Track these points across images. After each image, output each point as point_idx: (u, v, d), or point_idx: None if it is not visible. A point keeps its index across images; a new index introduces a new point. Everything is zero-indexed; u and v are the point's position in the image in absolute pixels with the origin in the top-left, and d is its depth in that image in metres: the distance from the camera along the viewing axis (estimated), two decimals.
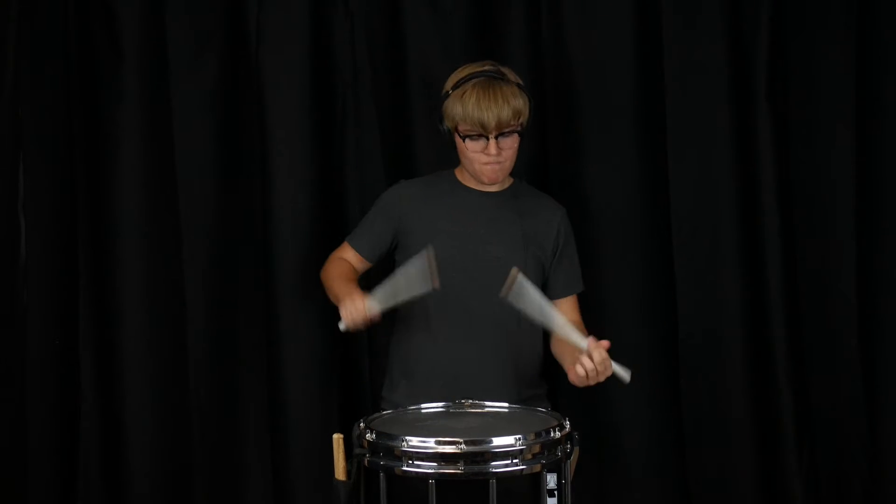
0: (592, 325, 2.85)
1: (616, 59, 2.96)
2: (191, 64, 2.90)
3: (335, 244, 2.73)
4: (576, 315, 2.69)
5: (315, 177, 2.96)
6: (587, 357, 2.30)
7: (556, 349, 2.62)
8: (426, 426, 2.22)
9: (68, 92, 2.91)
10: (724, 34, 2.92)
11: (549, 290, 2.66)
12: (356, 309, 2.40)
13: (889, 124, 2.95)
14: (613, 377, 2.33)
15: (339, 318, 2.49)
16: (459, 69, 2.58)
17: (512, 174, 2.67)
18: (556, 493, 2.08)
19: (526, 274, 2.50)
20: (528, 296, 2.34)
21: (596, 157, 2.98)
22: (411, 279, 2.38)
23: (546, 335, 2.67)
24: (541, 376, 2.68)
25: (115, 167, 2.92)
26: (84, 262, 2.93)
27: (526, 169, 2.93)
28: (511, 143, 2.54)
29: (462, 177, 2.66)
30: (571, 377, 2.37)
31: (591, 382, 2.34)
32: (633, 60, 2.95)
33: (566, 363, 2.45)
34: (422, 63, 2.95)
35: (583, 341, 2.33)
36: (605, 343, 2.32)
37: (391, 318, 2.65)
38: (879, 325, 2.99)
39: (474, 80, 2.52)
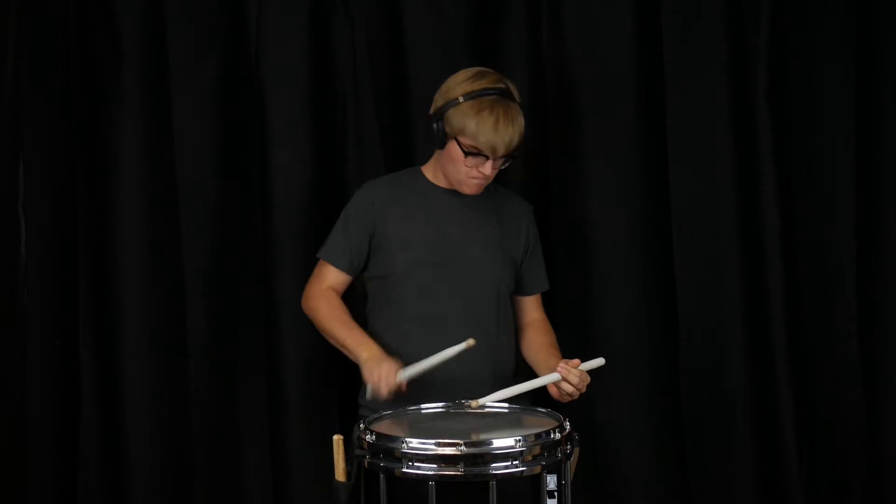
0: (593, 324, 2.86)
1: (616, 60, 2.96)
2: (191, 64, 2.90)
3: None
4: (540, 313, 2.71)
5: (315, 176, 2.96)
6: (566, 383, 2.36)
7: (528, 355, 2.66)
8: (426, 427, 2.22)
9: (68, 92, 2.91)
10: (724, 34, 2.92)
11: (521, 289, 2.68)
12: (386, 379, 2.37)
13: (889, 124, 2.96)
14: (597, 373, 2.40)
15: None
16: (469, 76, 2.50)
17: None
18: (556, 494, 2.08)
19: (503, 275, 2.57)
20: (496, 397, 2.36)
21: (596, 157, 2.98)
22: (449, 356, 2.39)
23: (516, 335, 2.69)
24: (517, 373, 2.68)
25: (115, 167, 2.92)
26: (84, 262, 2.92)
27: (526, 169, 2.94)
28: (501, 163, 2.51)
29: (432, 176, 2.64)
30: (556, 397, 2.42)
31: (577, 397, 2.40)
32: (633, 61, 2.95)
33: (540, 371, 2.51)
34: (422, 64, 2.95)
35: (553, 376, 2.38)
36: (575, 362, 2.37)
37: (361, 316, 2.65)
38: (879, 325, 2.99)
39: (492, 98, 2.45)
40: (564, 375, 2.36)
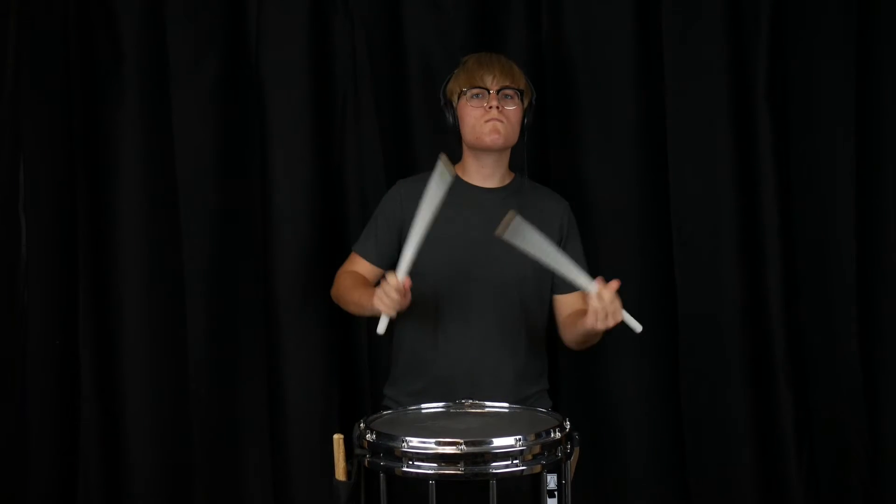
0: None
1: (616, 60, 2.96)
2: (191, 64, 2.90)
3: (335, 243, 2.74)
4: (582, 305, 2.67)
5: (315, 176, 2.96)
6: (597, 298, 2.31)
7: (572, 330, 2.59)
8: (426, 427, 2.21)
9: (68, 92, 2.91)
10: (724, 34, 2.92)
11: (556, 286, 2.67)
12: (389, 291, 2.33)
13: (889, 124, 2.96)
14: (625, 326, 2.34)
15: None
16: None
17: (513, 169, 2.67)
18: (556, 493, 2.08)
19: (528, 274, 2.56)
20: (526, 235, 2.27)
21: (596, 157, 2.98)
22: (432, 195, 2.33)
23: (551, 330, 2.67)
24: (543, 373, 2.68)
25: (115, 167, 2.93)
26: (84, 262, 2.93)
27: (527, 167, 2.93)
28: (513, 110, 2.57)
29: (463, 173, 2.65)
30: (587, 322, 2.35)
31: (601, 326, 2.33)
32: (633, 61, 2.95)
33: (581, 323, 2.44)
34: (422, 63, 2.95)
35: (591, 284, 2.32)
36: (615, 283, 2.32)
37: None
38: (879, 325, 2.99)
39: (477, 53, 2.64)
40: (600, 289, 2.31)
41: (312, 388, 2.95)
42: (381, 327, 2.37)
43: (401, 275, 2.35)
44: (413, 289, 2.54)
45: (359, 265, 2.67)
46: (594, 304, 2.32)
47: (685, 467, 2.99)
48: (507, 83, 2.56)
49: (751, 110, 2.93)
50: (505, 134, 2.56)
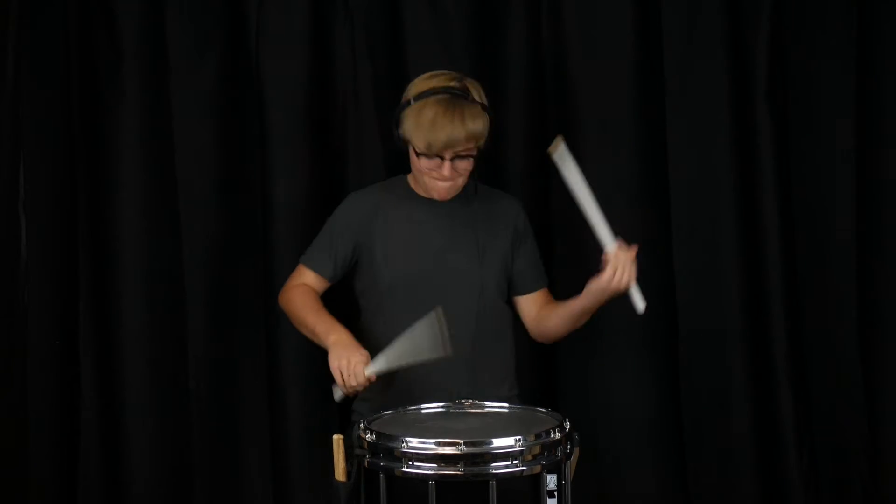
0: (592, 324, 2.86)
1: (616, 60, 2.95)
2: (191, 64, 2.90)
3: None
4: (548, 301, 2.66)
5: (315, 176, 2.96)
6: (614, 256, 2.35)
7: (552, 321, 2.60)
8: (426, 427, 2.21)
9: (68, 92, 2.91)
10: (724, 34, 2.91)
11: (515, 288, 2.65)
12: (356, 375, 2.32)
13: (889, 124, 2.96)
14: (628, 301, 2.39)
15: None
16: (423, 78, 2.52)
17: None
18: (556, 493, 2.08)
19: (486, 282, 2.53)
20: (571, 166, 2.34)
21: (596, 157, 2.97)
22: (419, 344, 2.32)
23: (519, 334, 2.67)
24: (511, 379, 2.65)
25: (115, 167, 2.93)
26: (84, 262, 2.93)
27: (525, 169, 2.94)
28: (466, 165, 2.46)
29: (414, 184, 2.61)
30: (598, 285, 2.38)
31: (614, 284, 2.36)
32: (633, 60, 2.95)
33: (571, 305, 2.49)
34: (422, 63, 2.94)
35: (610, 242, 2.36)
36: (634, 248, 2.37)
37: (356, 328, 2.56)
38: (879, 324, 2.99)
39: (436, 97, 2.42)
40: (617, 250, 2.35)
41: (312, 388, 2.95)
42: (338, 397, 2.39)
43: (370, 371, 2.33)
44: (375, 303, 2.56)
45: (308, 278, 2.60)
46: (612, 260, 2.34)
47: (685, 467, 2.99)
48: (462, 149, 2.41)
49: (751, 110, 2.93)
50: (455, 189, 2.50)
